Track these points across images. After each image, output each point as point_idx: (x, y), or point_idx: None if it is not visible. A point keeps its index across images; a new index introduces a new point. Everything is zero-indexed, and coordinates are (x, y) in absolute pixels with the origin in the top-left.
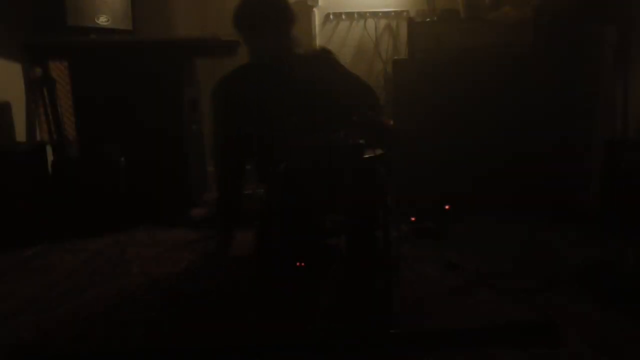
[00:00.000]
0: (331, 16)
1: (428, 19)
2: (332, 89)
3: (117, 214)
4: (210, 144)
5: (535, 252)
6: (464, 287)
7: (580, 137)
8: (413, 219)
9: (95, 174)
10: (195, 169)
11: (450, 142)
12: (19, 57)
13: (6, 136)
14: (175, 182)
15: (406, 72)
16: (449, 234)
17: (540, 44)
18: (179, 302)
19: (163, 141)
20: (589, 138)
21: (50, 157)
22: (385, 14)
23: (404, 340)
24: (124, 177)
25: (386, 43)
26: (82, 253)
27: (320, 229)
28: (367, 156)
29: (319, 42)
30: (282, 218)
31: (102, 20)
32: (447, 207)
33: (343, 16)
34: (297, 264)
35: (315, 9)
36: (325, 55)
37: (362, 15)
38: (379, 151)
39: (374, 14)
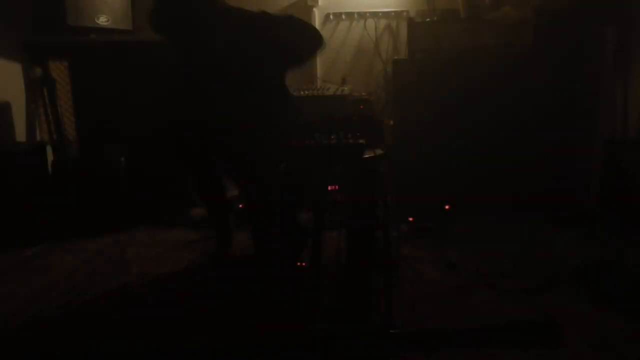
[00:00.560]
0: (331, 16)
1: (428, 19)
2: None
3: (117, 214)
4: None
5: (535, 252)
6: (464, 287)
7: (580, 137)
8: (412, 219)
9: (95, 174)
10: None
11: (450, 142)
12: (19, 57)
13: (6, 136)
14: (175, 182)
15: (406, 72)
16: (449, 234)
17: (540, 44)
18: (179, 302)
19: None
20: (589, 138)
21: (50, 157)
22: (385, 14)
23: (404, 340)
24: (124, 177)
25: (386, 43)
26: (82, 253)
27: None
28: (367, 156)
29: None
30: (282, 218)
31: (102, 20)
32: (447, 207)
33: (343, 16)
34: (297, 264)
35: (315, 9)
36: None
37: (362, 15)
38: (379, 151)
39: (374, 14)
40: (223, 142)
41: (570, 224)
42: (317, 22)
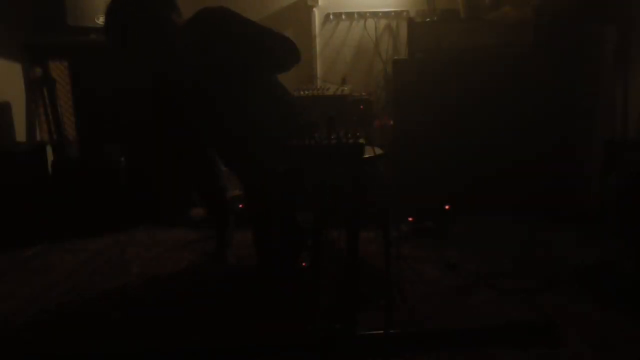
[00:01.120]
0: (331, 16)
1: (428, 19)
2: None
3: (117, 214)
4: None
5: (535, 252)
6: (464, 287)
7: (580, 137)
8: (412, 219)
9: (95, 174)
10: None
11: (450, 142)
12: (19, 57)
13: (6, 136)
14: (175, 182)
15: (406, 72)
16: (449, 234)
17: (540, 44)
18: (179, 303)
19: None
20: (589, 138)
21: (50, 157)
22: (385, 14)
23: (404, 340)
24: (124, 177)
25: (386, 43)
26: (82, 253)
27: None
28: (367, 156)
29: (319, 42)
30: (282, 218)
31: (102, 21)
32: (447, 207)
33: (343, 16)
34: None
35: (315, 9)
36: (209, 17)
37: (362, 15)
38: (378, 151)
39: (374, 14)
40: (222, 142)
41: (570, 224)
42: (317, 22)
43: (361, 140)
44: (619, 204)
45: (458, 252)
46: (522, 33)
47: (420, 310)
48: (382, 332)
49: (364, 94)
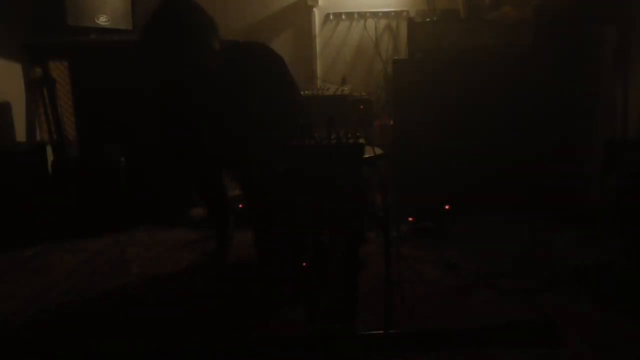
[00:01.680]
0: (331, 16)
1: (428, 19)
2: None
3: (117, 214)
4: None
5: (535, 252)
6: (464, 287)
7: (580, 137)
8: (412, 219)
9: (95, 174)
10: None
11: (450, 142)
12: (19, 57)
13: (6, 136)
14: (175, 182)
15: (406, 72)
16: (449, 234)
17: (540, 44)
18: (179, 303)
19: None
20: (589, 138)
21: (50, 157)
22: (385, 14)
23: (404, 340)
24: (124, 177)
25: (386, 43)
26: (82, 253)
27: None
28: (367, 156)
29: (319, 42)
30: (283, 218)
31: (102, 20)
32: (447, 207)
33: (343, 16)
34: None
35: (315, 9)
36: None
37: (362, 15)
38: (378, 151)
39: (374, 14)
40: (222, 143)
41: (570, 224)
42: (317, 22)
43: (361, 140)
44: (619, 204)
45: (458, 252)
46: (522, 33)
47: (420, 310)
48: (382, 332)
49: (364, 94)
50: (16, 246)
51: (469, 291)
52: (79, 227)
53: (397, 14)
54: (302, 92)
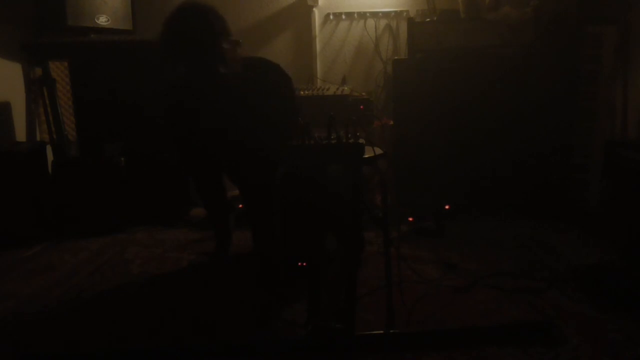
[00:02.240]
0: (331, 16)
1: (428, 19)
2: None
3: (117, 214)
4: None
5: (535, 252)
6: (464, 287)
7: (580, 137)
8: (412, 219)
9: (95, 174)
10: None
11: (450, 142)
12: (19, 57)
13: (6, 136)
14: (175, 182)
15: (406, 72)
16: (448, 233)
17: (540, 44)
18: (179, 302)
19: (163, 141)
20: (589, 138)
21: (50, 157)
22: (385, 14)
23: (404, 340)
24: (124, 177)
25: (386, 43)
26: (82, 253)
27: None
28: (367, 156)
29: (319, 42)
30: (282, 218)
31: (102, 20)
32: (447, 207)
33: (343, 16)
34: (299, 263)
35: (315, 9)
36: (254, 78)
37: (362, 15)
38: (378, 151)
39: (374, 14)
40: (222, 143)
41: (570, 224)
42: (317, 22)
43: (361, 140)
44: (618, 204)
45: (458, 252)
46: (522, 33)
47: (420, 310)
48: (382, 332)
49: (364, 94)
50: (16, 246)
51: (469, 291)
52: (79, 227)
53: (397, 14)
54: (302, 92)
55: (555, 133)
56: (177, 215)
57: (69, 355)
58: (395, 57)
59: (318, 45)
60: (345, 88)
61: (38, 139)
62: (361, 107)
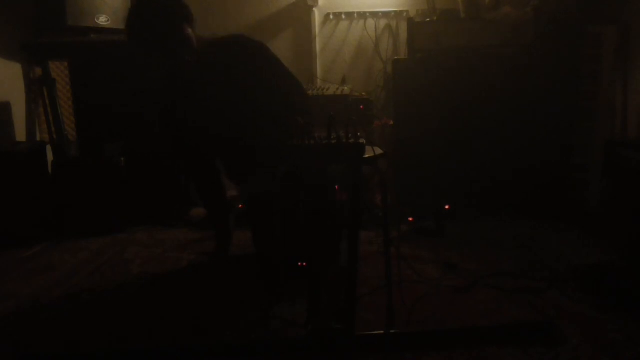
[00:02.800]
0: (331, 16)
1: (428, 19)
2: (246, 81)
3: (117, 214)
4: None
5: (535, 252)
6: (464, 287)
7: (580, 137)
8: (412, 219)
9: (95, 174)
10: None
11: (450, 142)
12: (19, 57)
13: (6, 136)
14: (175, 182)
15: (406, 72)
16: (448, 233)
17: (540, 44)
18: (179, 302)
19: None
20: (589, 138)
21: (50, 157)
22: (385, 14)
23: (404, 340)
24: (124, 177)
25: (386, 43)
26: (82, 253)
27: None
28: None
29: (319, 42)
30: (282, 218)
31: (102, 20)
32: (447, 207)
33: (343, 16)
34: (299, 263)
35: (315, 9)
36: (240, 46)
37: (362, 15)
38: (378, 151)
39: (374, 14)
40: (222, 143)
41: (570, 224)
42: (317, 22)
43: (361, 140)
44: (618, 204)
45: (458, 252)
46: (522, 33)
47: (420, 310)
48: (382, 332)
49: (364, 94)
50: (16, 246)
51: (469, 291)
52: (79, 227)
53: (397, 14)
54: None
55: (555, 133)
56: (177, 215)
57: (69, 355)
58: (395, 57)
59: (318, 45)
60: (345, 88)
61: (38, 139)
62: (361, 107)
